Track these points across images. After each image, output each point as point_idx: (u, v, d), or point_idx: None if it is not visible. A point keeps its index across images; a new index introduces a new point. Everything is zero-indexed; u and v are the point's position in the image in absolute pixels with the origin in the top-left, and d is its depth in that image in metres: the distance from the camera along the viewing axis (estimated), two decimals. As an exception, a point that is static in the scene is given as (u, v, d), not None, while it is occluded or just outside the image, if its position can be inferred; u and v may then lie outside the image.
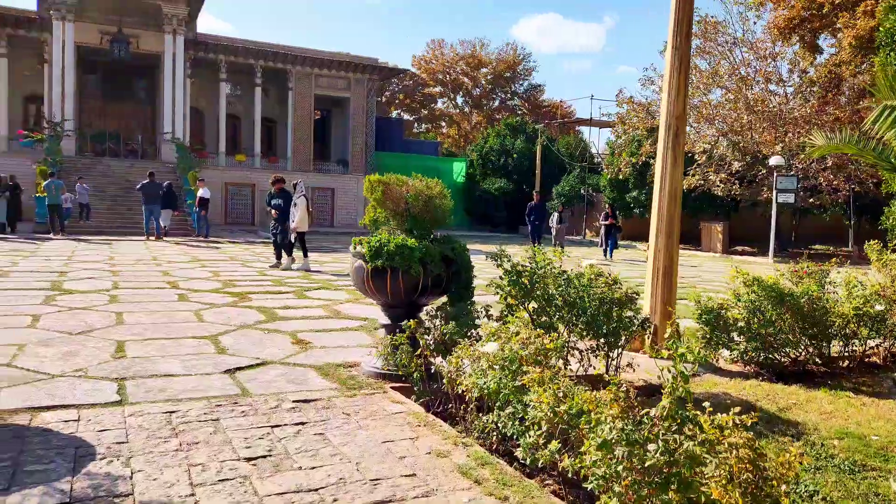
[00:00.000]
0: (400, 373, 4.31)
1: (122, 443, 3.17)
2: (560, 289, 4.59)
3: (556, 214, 18.97)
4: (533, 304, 4.66)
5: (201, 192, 18.96)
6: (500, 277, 4.69)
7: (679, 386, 2.29)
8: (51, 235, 17.02)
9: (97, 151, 26.76)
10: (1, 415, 3.52)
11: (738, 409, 2.21)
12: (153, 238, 17.17)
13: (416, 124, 59.22)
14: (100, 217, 19.83)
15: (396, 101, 56.72)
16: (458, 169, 35.28)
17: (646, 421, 2.26)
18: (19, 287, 8.15)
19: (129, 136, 28.43)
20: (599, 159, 34.92)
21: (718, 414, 2.20)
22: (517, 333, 3.42)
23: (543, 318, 4.63)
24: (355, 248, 4.73)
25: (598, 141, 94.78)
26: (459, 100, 62.03)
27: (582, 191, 30.12)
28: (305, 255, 11.72)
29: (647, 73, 23.97)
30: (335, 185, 30.62)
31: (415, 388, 4.22)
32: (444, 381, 3.83)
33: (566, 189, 30.65)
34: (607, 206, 19.67)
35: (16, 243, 15.03)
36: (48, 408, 3.66)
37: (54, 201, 17.44)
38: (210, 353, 5.20)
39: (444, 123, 61.28)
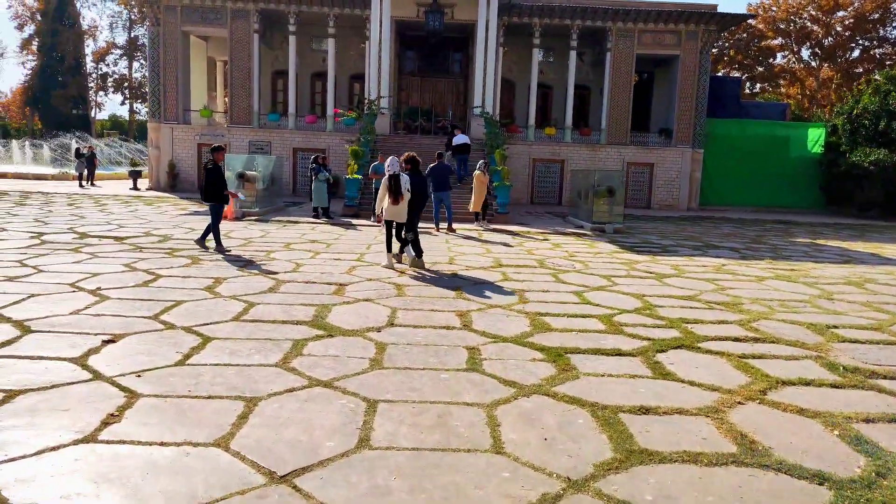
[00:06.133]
0: None
1: None
2: None
3: None
4: None
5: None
6: None
7: None
8: (359, 221, 16.14)
9: (410, 129, 26.50)
10: None
11: None
12: (443, 230, 15.02)
13: (747, 84, 50.71)
14: (406, 198, 18.80)
15: (725, 59, 49.06)
16: (815, 137, 28.03)
17: None
18: (275, 318, 6.18)
19: (442, 111, 27.76)
20: None
21: None
22: None
23: None
24: None
25: None
26: (805, 53, 51.61)
27: None
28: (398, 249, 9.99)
29: None
30: (654, 160, 26.36)
31: None
32: None
33: None
34: None
35: (321, 231, 14.26)
36: None
37: (376, 185, 16.37)
38: None
39: (783, 82, 51.56)
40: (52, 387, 4.20)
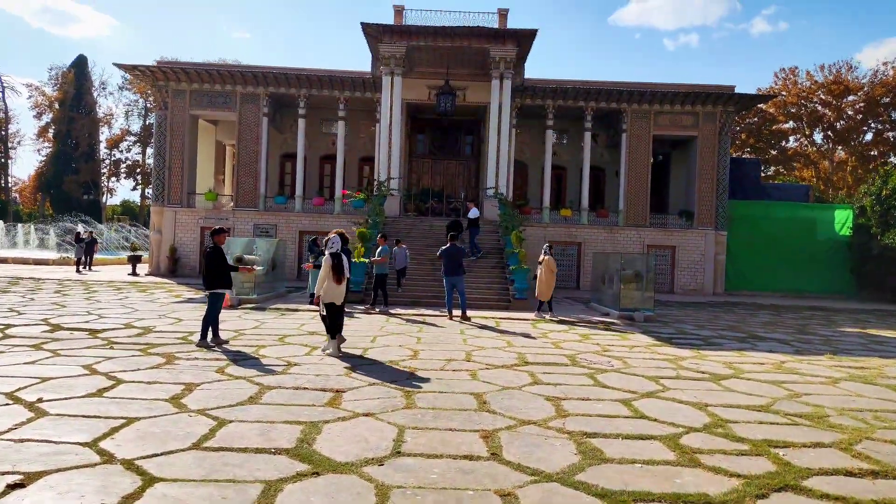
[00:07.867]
0: None
1: None
2: None
3: None
4: None
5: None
6: None
7: None
8: (368, 309, 14.76)
9: (420, 211, 25.67)
10: None
11: None
12: (456, 318, 13.70)
13: (762, 167, 50.24)
14: (415, 284, 17.59)
15: (738, 142, 48.79)
16: (842, 218, 26.91)
17: None
18: (247, 445, 4.78)
19: (453, 193, 27.02)
20: None
21: None
22: None
23: None
24: None
25: None
26: (818, 136, 51.38)
27: None
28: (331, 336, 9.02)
29: None
30: (676, 243, 25.18)
31: None
32: None
33: None
34: None
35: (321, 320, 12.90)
36: None
37: (382, 270, 15.21)
38: None
39: (797, 164, 51.07)
40: None
